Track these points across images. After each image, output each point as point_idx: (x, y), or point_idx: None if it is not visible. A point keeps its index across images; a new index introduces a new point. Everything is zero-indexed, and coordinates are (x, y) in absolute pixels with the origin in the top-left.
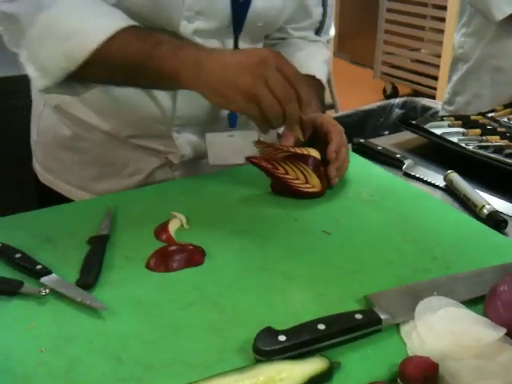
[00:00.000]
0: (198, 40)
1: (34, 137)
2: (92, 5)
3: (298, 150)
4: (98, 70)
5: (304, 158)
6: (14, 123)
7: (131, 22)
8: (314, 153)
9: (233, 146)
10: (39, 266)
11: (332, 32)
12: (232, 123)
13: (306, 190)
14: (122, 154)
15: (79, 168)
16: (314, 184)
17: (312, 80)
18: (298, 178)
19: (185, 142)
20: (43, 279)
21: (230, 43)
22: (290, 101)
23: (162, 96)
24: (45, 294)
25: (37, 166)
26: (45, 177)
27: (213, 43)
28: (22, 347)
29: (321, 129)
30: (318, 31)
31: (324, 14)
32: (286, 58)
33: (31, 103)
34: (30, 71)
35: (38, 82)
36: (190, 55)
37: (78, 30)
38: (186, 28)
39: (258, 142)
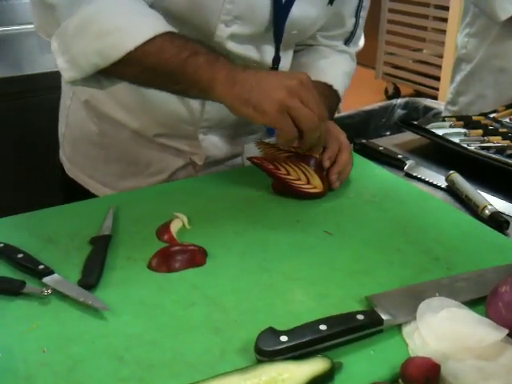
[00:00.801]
0: (233, 44)
1: (61, 129)
2: (131, 5)
3: (300, 151)
4: (130, 69)
5: (306, 159)
6: (28, 122)
7: (169, 28)
8: (315, 153)
9: None
10: (41, 266)
11: (361, 43)
12: (271, 132)
13: (308, 190)
14: (146, 152)
15: (104, 164)
16: (316, 184)
17: (327, 90)
18: (299, 179)
19: (210, 143)
20: (45, 279)
21: (266, 49)
22: (324, 120)
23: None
24: (47, 294)
25: (64, 159)
26: (70, 170)
27: (248, 49)
28: (24, 347)
29: None
30: (347, 41)
31: (356, 25)
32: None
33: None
34: (59, 62)
35: (65, 73)
36: (225, 68)
37: (116, 30)
38: (223, 32)
39: (260, 143)
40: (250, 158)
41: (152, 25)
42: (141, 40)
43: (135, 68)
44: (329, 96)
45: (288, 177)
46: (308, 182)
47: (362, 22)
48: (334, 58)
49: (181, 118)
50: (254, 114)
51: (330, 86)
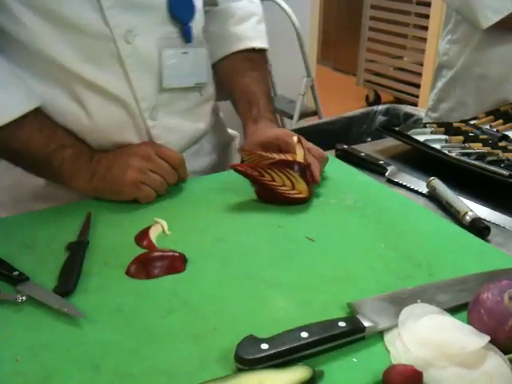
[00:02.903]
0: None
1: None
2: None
3: (283, 156)
4: None
5: (290, 164)
6: None
7: (31, 104)
8: (299, 158)
9: (187, 66)
10: (16, 273)
11: None
12: (188, 38)
13: (293, 195)
14: None
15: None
16: (301, 189)
17: (247, 58)
18: (284, 185)
19: (164, 128)
20: (20, 286)
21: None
22: (172, 179)
23: (119, 89)
24: (21, 301)
25: None
26: None
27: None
28: None
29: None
30: None
31: None
32: (165, 147)
33: None
34: None
35: None
36: (87, 166)
37: None
38: None
39: (243, 150)
40: (233, 166)
41: (15, 105)
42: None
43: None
44: (251, 68)
45: (273, 183)
46: (293, 188)
47: None
48: (240, 14)
49: (122, 117)
50: (112, 196)
51: (253, 49)
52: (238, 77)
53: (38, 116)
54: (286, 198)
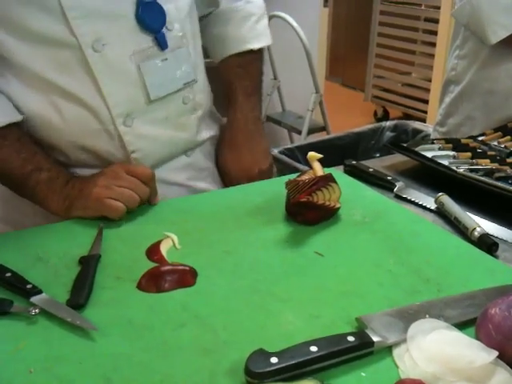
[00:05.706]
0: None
1: None
2: None
3: (312, 175)
4: None
5: (322, 179)
6: None
7: (10, 118)
8: (320, 171)
9: (169, 71)
10: (29, 286)
11: None
12: (163, 45)
13: (336, 207)
14: None
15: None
16: (336, 198)
17: (243, 63)
18: (330, 199)
19: (137, 135)
20: (33, 299)
21: None
22: (143, 192)
23: (89, 95)
24: (35, 314)
25: None
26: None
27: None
28: (11, 368)
29: None
30: None
31: None
32: (135, 164)
33: None
34: None
35: None
36: (61, 189)
37: None
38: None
39: (289, 183)
40: (296, 201)
41: None
42: None
43: None
44: (238, 65)
45: (323, 202)
46: (330, 199)
47: None
48: (238, 16)
49: (93, 128)
50: (79, 212)
51: (249, 51)
52: (223, 76)
53: (21, 139)
54: (332, 211)
